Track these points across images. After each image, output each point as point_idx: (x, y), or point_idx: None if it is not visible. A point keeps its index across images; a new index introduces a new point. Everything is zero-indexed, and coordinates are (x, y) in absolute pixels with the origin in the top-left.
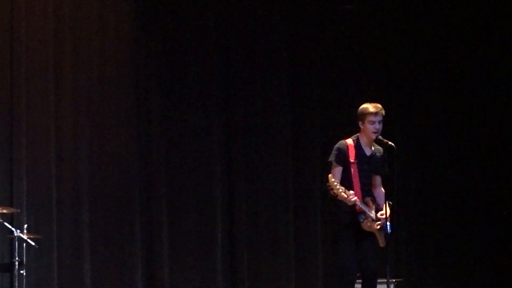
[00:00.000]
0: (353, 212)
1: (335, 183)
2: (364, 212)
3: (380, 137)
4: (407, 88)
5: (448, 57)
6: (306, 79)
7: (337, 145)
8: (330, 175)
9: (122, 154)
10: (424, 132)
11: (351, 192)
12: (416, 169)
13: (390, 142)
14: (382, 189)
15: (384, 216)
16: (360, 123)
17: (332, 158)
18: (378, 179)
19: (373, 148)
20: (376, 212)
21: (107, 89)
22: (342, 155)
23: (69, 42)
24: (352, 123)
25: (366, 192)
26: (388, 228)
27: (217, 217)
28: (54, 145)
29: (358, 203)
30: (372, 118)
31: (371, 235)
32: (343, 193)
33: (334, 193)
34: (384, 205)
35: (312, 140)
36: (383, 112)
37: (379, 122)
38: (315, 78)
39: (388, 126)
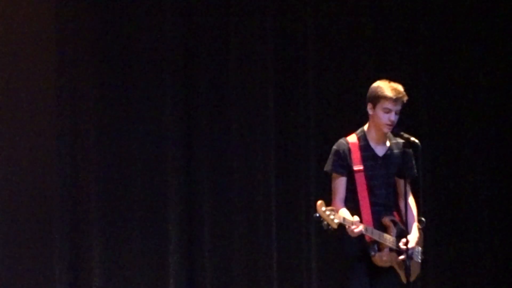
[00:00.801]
0: (363, 242)
1: (327, 213)
2: (377, 242)
3: (401, 132)
4: (437, 70)
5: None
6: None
7: (335, 147)
8: (319, 203)
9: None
10: (460, 128)
11: (353, 219)
12: (448, 174)
13: (412, 138)
14: (412, 199)
15: (410, 245)
16: (369, 107)
17: (328, 166)
18: (403, 185)
19: (388, 144)
20: (401, 235)
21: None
22: (343, 160)
23: None
24: (359, 110)
25: (385, 208)
26: (418, 256)
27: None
28: None
29: (367, 231)
30: (388, 104)
31: (390, 268)
32: (341, 222)
33: (330, 228)
34: (414, 224)
35: (302, 138)
36: (405, 99)
37: (396, 113)
38: (303, 48)
39: (413, 117)
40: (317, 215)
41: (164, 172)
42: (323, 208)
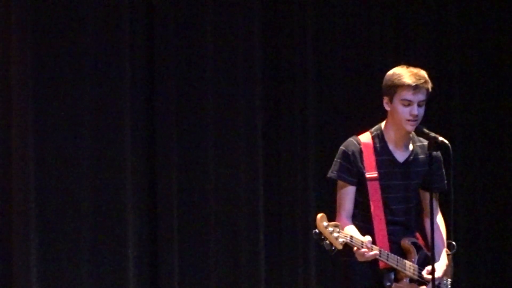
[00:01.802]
0: (375, 269)
1: (330, 229)
2: (393, 270)
3: (424, 129)
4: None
5: None
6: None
7: (342, 147)
8: (319, 216)
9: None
10: (501, 129)
11: (364, 238)
12: (486, 185)
13: (441, 138)
14: (440, 217)
15: (436, 275)
16: (385, 101)
17: (333, 172)
18: (429, 199)
19: (411, 147)
20: (424, 262)
21: None
22: (352, 164)
23: None
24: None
25: (405, 228)
26: None
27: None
28: None
29: (382, 255)
30: (407, 94)
31: None
32: (347, 242)
33: (333, 249)
34: (443, 250)
35: (298, 137)
36: (429, 86)
37: (419, 105)
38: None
39: (442, 116)
40: (317, 231)
41: (122, 176)
42: (325, 223)
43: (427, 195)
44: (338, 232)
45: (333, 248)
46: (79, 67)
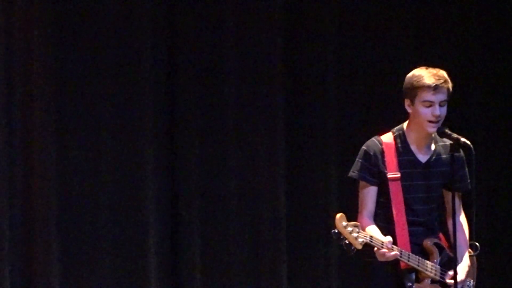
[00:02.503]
0: (396, 269)
1: (349, 229)
2: (414, 271)
3: (446, 130)
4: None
5: None
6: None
7: (364, 147)
8: (338, 216)
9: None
10: None
11: (385, 239)
12: (508, 186)
13: (463, 139)
14: (463, 218)
15: (459, 277)
16: (407, 104)
17: (354, 172)
18: (452, 200)
19: (433, 147)
20: (447, 263)
21: None
22: (374, 164)
23: None
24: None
25: (426, 229)
26: None
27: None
28: None
29: (403, 256)
30: (427, 95)
31: None
32: (367, 242)
33: (352, 249)
34: (467, 252)
35: (319, 137)
36: (449, 85)
37: (441, 105)
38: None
39: (465, 115)
40: (336, 231)
41: (143, 178)
42: (344, 223)
43: (450, 195)
44: (358, 232)
45: (352, 248)
46: (100, 66)
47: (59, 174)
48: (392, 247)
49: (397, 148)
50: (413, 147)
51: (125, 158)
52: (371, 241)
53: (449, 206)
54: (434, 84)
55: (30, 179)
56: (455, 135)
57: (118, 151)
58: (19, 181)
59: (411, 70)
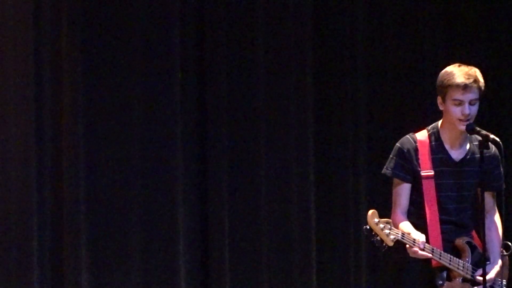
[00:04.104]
0: (428, 267)
1: (381, 226)
2: (446, 270)
3: (476, 127)
4: None
5: None
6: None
7: (398, 145)
8: (370, 212)
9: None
10: None
11: (418, 237)
12: None
13: (492, 136)
14: (498, 217)
15: (489, 276)
16: (439, 102)
17: (388, 169)
18: (487, 199)
19: (468, 146)
20: (479, 262)
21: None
22: (407, 162)
23: None
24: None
25: (459, 227)
26: None
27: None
28: None
29: (434, 254)
30: (457, 94)
31: None
32: (398, 239)
33: (384, 245)
34: (497, 250)
35: (350, 134)
36: (481, 84)
37: (471, 103)
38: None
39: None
40: (368, 227)
41: (173, 176)
42: (376, 220)
43: (486, 195)
44: (390, 229)
45: (384, 244)
46: (130, 65)
47: (87, 173)
48: (424, 245)
49: (431, 146)
50: (447, 145)
51: (154, 159)
52: (403, 238)
53: (485, 205)
54: (463, 84)
55: (59, 180)
56: (484, 132)
57: (148, 152)
58: (48, 182)
59: (444, 67)
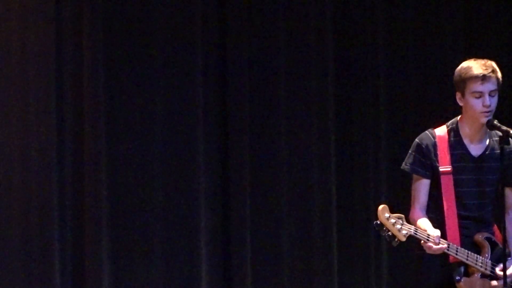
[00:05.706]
0: (445, 262)
1: (392, 221)
2: (465, 265)
3: (495, 122)
4: None
5: None
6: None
7: (417, 140)
8: (381, 207)
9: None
10: None
11: (432, 232)
12: None
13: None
14: None
15: (509, 272)
16: (458, 97)
17: (407, 165)
18: (508, 195)
19: (487, 141)
20: (500, 259)
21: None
22: (426, 157)
23: None
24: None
25: (478, 223)
26: None
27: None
28: None
29: (451, 249)
30: (477, 86)
31: None
32: (411, 235)
33: (396, 240)
34: None
35: (370, 130)
36: (499, 74)
37: (491, 95)
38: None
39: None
40: (378, 222)
41: (194, 174)
42: (386, 215)
43: (507, 191)
44: (402, 224)
45: (396, 240)
46: (151, 67)
47: (109, 171)
48: (439, 240)
49: (450, 141)
50: (466, 141)
51: (176, 156)
52: (416, 234)
53: (506, 200)
54: (482, 74)
55: (81, 179)
56: (504, 127)
57: (169, 148)
58: (69, 181)
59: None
